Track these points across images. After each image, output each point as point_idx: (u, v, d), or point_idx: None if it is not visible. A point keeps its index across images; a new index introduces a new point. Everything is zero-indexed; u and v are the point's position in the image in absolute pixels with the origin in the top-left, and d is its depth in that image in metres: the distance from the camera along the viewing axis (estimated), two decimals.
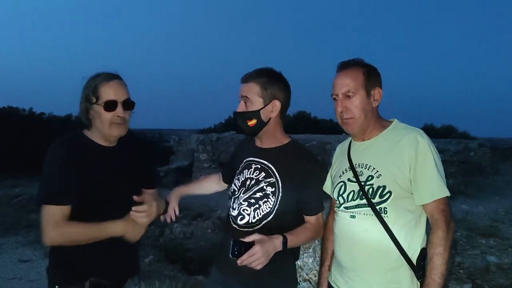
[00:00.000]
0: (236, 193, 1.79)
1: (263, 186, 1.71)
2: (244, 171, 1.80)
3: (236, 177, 1.84)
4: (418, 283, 1.54)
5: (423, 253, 1.54)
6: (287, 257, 1.74)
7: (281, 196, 1.68)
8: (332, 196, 1.78)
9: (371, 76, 1.62)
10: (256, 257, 1.51)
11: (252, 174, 1.76)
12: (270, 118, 1.72)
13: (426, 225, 1.59)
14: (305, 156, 1.77)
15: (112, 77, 1.69)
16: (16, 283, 4.58)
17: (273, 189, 1.69)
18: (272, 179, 1.71)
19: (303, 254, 4.86)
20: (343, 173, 1.71)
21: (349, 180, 1.66)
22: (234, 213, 1.75)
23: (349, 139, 1.79)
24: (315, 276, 4.20)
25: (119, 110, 1.67)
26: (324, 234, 1.87)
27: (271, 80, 1.71)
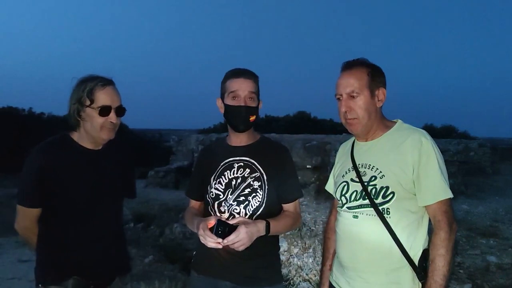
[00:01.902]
0: (222, 196, 1.77)
1: (250, 182, 1.75)
2: (226, 172, 1.79)
3: (214, 181, 1.80)
4: (420, 284, 1.53)
5: (425, 254, 1.54)
6: (272, 250, 1.84)
7: (267, 188, 1.75)
8: (334, 196, 1.79)
9: (375, 76, 1.61)
10: (240, 238, 1.54)
11: (237, 173, 1.78)
12: None
13: (428, 226, 1.59)
14: (279, 147, 1.88)
15: (107, 82, 1.70)
16: (15, 283, 4.57)
17: (260, 183, 1.75)
18: (257, 173, 1.76)
19: (303, 254, 4.86)
20: (346, 173, 1.71)
21: (352, 180, 1.66)
22: (224, 216, 1.75)
23: (352, 138, 1.79)
24: (315, 276, 4.20)
25: (112, 116, 1.69)
26: (326, 233, 1.89)
27: (258, 80, 1.80)
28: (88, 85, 1.67)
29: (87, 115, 1.68)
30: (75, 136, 1.75)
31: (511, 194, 9.20)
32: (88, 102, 1.66)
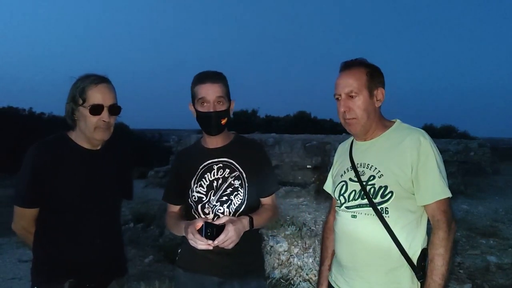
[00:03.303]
0: (205, 198, 1.80)
1: (231, 181, 1.80)
2: (206, 175, 1.81)
3: (195, 184, 1.82)
4: (419, 283, 1.53)
5: (424, 254, 1.54)
6: (256, 246, 1.92)
7: (247, 186, 1.80)
8: (333, 195, 1.79)
9: (374, 76, 1.61)
10: (229, 236, 1.59)
11: (217, 174, 1.81)
12: None
13: (427, 226, 1.59)
14: (254, 144, 1.94)
15: (100, 80, 1.67)
16: (15, 283, 4.58)
17: (240, 182, 1.80)
18: (236, 172, 1.81)
19: (303, 254, 4.86)
20: (344, 172, 1.71)
21: (350, 179, 1.66)
22: (209, 217, 1.77)
23: (351, 138, 1.79)
24: (315, 276, 4.20)
25: (105, 114, 1.66)
26: (324, 233, 1.89)
27: (227, 82, 1.82)
28: (81, 83, 1.65)
29: (80, 114, 1.65)
30: (73, 135, 1.72)
31: (511, 194, 9.18)
32: (80, 101, 1.64)
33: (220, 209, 1.77)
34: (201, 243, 1.58)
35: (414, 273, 1.53)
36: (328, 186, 1.88)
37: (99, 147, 1.76)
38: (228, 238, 1.59)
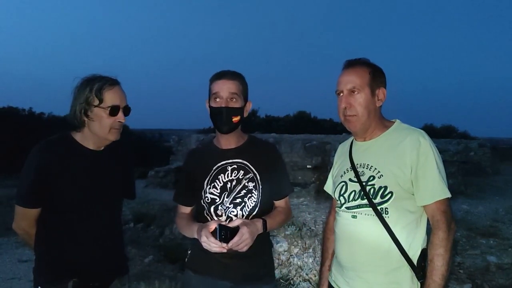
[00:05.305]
0: (218, 200, 1.78)
1: (245, 183, 1.78)
2: (219, 176, 1.79)
3: (208, 186, 1.79)
4: (419, 283, 1.53)
5: (424, 254, 1.54)
6: (266, 249, 1.90)
7: (261, 188, 1.78)
8: (333, 196, 1.79)
9: (377, 76, 1.62)
10: (244, 238, 1.58)
11: (231, 176, 1.79)
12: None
13: (427, 226, 1.59)
14: (268, 146, 1.92)
15: (114, 82, 1.70)
16: (15, 283, 4.57)
17: (254, 184, 1.78)
18: (250, 174, 1.79)
19: (303, 254, 4.86)
20: (344, 173, 1.71)
21: (350, 180, 1.66)
22: (222, 219, 1.76)
23: (351, 138, 1.79)
24: (315, 276, 4.20)
25: (121, 115, 1.69)
26: (325, 234, 1.90)
27: (246, 82, 1.80)
28: (96, 84, 1.65)
29: (95, 115, 1.66)
30: (78, 136, 1.73)
31: (511, 194, 9.19)
32: (96, 102, 1.64)
33: (233, 211, 1.75)
34: (215, 246, 1.56)
35: (414, 273, 1.53)
36: (328, 187, 1.88)
37: (102, 148, 1.77)
38: (242, 241, 1.57)
